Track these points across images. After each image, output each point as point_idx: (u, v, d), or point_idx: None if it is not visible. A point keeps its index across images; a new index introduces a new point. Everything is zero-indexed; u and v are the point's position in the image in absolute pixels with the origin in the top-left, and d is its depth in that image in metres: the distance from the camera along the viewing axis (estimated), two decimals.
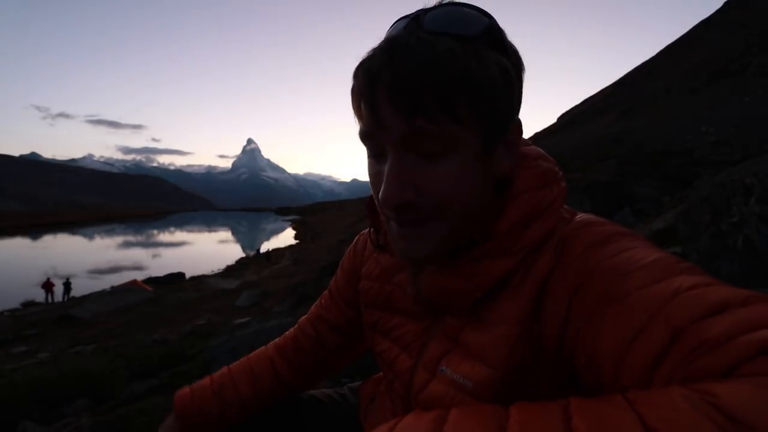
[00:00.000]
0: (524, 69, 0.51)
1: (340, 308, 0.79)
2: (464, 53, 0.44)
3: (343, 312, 0.79)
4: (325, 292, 0.84)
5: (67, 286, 21.48)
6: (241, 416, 0.78)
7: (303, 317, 0.86)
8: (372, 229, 0.68)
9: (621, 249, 0.44)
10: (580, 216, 0.53)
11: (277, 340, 0.86)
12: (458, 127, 0.45)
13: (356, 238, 0.81)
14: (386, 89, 0.44)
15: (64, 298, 21.04)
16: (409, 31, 0.47)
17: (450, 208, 0.47)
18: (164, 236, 76.40)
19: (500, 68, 0.47)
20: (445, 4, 0.49)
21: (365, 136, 0.49)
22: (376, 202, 0.52)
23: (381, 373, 0.79)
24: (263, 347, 0.86)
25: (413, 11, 0.50)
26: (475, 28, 0.47)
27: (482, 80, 0.45)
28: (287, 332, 0.86)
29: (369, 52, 0.48)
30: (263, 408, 0.79)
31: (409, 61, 0.44)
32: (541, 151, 0.57)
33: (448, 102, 0.44)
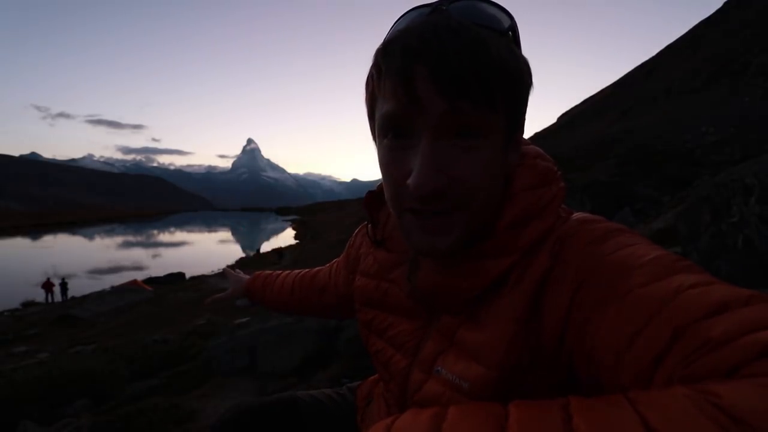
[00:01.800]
0: None
1: (336, 284, 0.89)
2: (500, 43, 0.45)
3: (337, 287, 0.89)
4: (339, 259, 0.91)
5: (64, 286, 21.46)
6: (269, 307, 1.07)
7: (330, 263, 0.97)
8: (369, 225, 0.67)
9: (621, 245, 0.44)
10: (577, 214, 0.53)
11: (310, 270, 1.03)
12: (493, 115, 0.45)
13: (355, 231, 0.81)
14: (429, 68, 0.43)
15: (63, 297, 21.03)
16: (443, 17, 0.46)
17: (475, 198, 0.47)
18: (164, 236, 76.40)
19: (525, 65, 0.49)
20: None
21: (393, 118, 0.46)
22: (388, 192, 0.50)
23: (377, 375, 0.79)
24: (301, 270, 1.05)
25: (428, 3, 0.50)
26: (503, 23, 0.48)
27: (516, 73, 0.46)
28: (318, 268, 1.01)
29: (397, 33, 0.47)
30: (281, 309, 1.06)
31: (454, 41, 0.43)
32: (540, 150, 0.57)
33: (490, 86, 0.44)
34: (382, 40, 0.49)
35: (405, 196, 0.46)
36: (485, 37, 0.44)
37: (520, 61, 0.47)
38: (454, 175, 0.45)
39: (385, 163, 0.49)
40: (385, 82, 0.46)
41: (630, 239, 0.45)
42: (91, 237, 72.45)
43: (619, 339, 0.37)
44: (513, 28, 0.49)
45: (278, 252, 33.31)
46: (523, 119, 0.51)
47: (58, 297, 21.15)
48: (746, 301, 0.33)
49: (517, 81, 0.47)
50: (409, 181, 0.44)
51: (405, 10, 0.52)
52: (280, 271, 1.09)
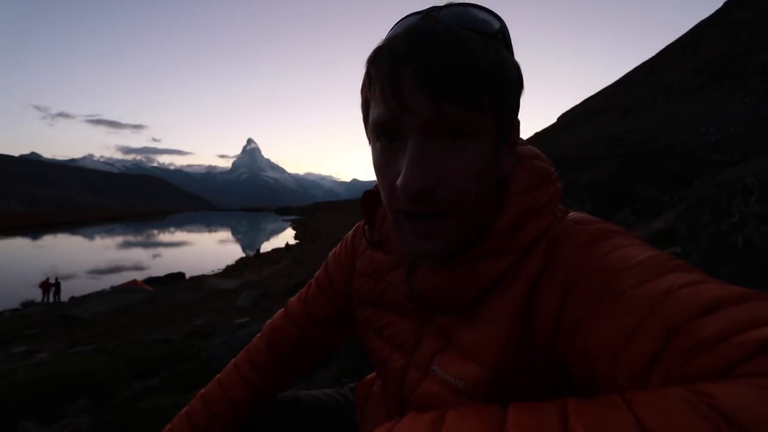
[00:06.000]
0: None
1: (330, 300, 0.78)
2: (487, 46, 0.46)
3: (332, 304, 0.78)
4: (310, 283, 0.82)
5: (57, 287, 21.40)
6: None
7: (275, 319, 0.85)
8: (366, 226, 0.67)
9: (613, 247, 0.44)
10: (573, 215, 0.53)
11: (246, 353, 0.85)
12: (481, 116, 0.46)
13: (351, 231, 0.80)
14: (414, 72, 0.44)
15: (55, 298, 20.94)
16: (431, 22, 0.47)
17: (465, 200, 0.47)
18: (164, 236, 76.33)
19: (514, 67, 0.50)
20: (457, 3, 0.50)
21: (384, 122, 0.47)
22: (383, 194, 0.51)
23: (374, 374, 0.80)
24: (233, 363, 0.86)
25: (421, 10, 0.51)
26: (491, 27, 0.49)
27: (503, 73, 0.47)
28: (256, 341, 0.86)
29: (387, 40, 0.49)
30: (246, 419, 0.81)
31: (438, 44, 0.44)
32: (537, 150, 0.57)
33: (475, 88, 0.45)
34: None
35: (397, 197, 0.47)
36: (471, 40, 0.45)
37: (507, 63, 0.48)
38: (442, 176, 0.46)
39: (379, 166, 0.50)
40: (375, 88, 0.48)
41: (622, 241, 0.46)
42: (91, 237, 72.32)
43: (613, 340, 0.37)
44: (502, 31, 0.50)
45: (286, 247, 34.92)
46: (515, 122, 0.52)
47: (53, 297, 21.11)
48: (738, 298, 0.33)
49: (504, 83, 0.47)
50: (398, 181, 0.45)
51: (404, 12, 0.54)
52: (183, 409, 0.88)
